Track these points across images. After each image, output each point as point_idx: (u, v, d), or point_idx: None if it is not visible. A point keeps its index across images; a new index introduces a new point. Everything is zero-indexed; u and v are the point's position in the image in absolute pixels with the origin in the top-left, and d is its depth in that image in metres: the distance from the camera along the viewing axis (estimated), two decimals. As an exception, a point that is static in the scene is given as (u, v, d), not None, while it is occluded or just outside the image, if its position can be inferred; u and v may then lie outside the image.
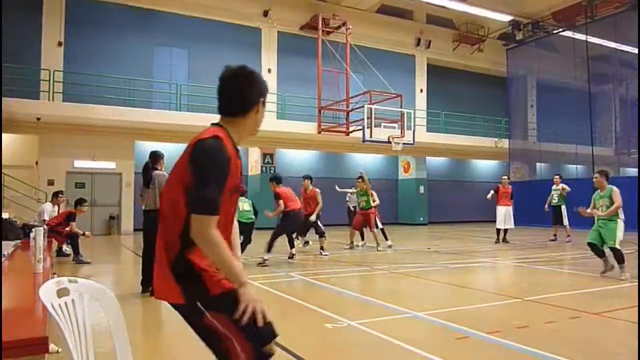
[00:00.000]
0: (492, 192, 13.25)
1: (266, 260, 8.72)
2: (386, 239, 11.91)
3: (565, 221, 12.93)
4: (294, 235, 9.98)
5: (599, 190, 7.63)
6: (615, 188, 7.54)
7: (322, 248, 10.26)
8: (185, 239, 1.82)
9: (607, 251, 7.31)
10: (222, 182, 1.81)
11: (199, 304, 1.83)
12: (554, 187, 13.35)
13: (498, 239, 13.02)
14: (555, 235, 13.22)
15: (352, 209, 14.54)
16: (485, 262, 9.54)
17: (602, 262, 7.38)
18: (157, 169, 6.33)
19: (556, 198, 13.17)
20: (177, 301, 1.86)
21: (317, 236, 10.32)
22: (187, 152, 1.87)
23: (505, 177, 13.93)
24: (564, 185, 13.17)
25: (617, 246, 7.13)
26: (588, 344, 4.12)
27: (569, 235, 12.86)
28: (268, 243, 8.80)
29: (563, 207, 12.99)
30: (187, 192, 1.80)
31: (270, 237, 8.86)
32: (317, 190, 10.23)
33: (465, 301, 5.95)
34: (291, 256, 9.38)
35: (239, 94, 1.97)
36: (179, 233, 1.83)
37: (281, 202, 8.92)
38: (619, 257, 7.12)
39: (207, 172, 1.78)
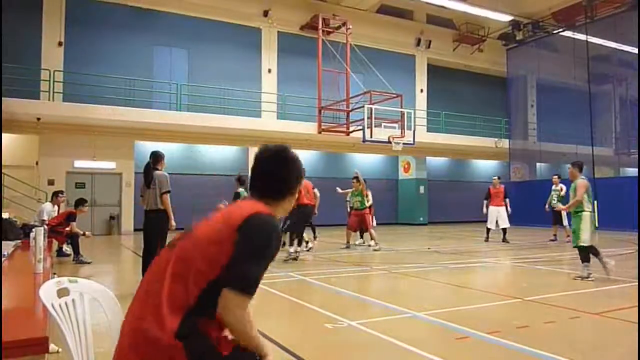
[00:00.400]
0: (484, 202, 13.48)
1: (298, 253, 9.25)
2: (361, 237, 12.22)
3: (565, 221, 12.94)
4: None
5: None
6: (580, 181, 7.22)
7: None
8: (201, 308, 1.61)
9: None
10: (269, 263, 1.70)
11: None
12: (553, 187, 13.36)
13: (487, 237, 13.29)
14: (555, 235, 13.24)
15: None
16: (485, 262, 9.54)
17: (582, 266, 7.10)
18: (158, 169, 6.34)
19: (555, 198, 13.18)
20: None
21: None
22: (234, 221, 1.67)
23: (496, 177, 13.94)
24: (562, 186, 13.10)
25: (584, 244, 7.00)
26: (588, 344, 4.12)
27: (568, 236, 12.81)
28: (290, 239, 9.40)
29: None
30: (226, 265, 1.61)
31: (289, 234, 9.48)
32: None
33: (465, 301, 5.95)
34: (295, 257, 9.50)
35: (283, 180, 1.92)
36: (195, 299, 1.61)
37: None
38: (585, 256, 7.05)
39: (261, 250, 1.66)
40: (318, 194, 10.30)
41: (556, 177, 13.54)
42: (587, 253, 7.04)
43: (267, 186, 1.90)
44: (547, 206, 13.36)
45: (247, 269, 1.61)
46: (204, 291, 1.60)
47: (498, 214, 13.13)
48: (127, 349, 1.61)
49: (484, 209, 13.46)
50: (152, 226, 6.24)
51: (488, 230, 13.33)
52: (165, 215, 6.21)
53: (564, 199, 12.99)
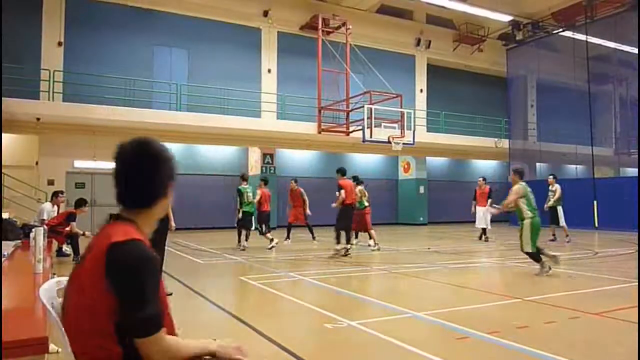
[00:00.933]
0: (473, 202, 13.93)
1: (347, 249, 9.65)
2: (355, 236, 12.26)
3: (562, 222, 12.92)
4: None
5: None
6: (516, 187, 7.67)
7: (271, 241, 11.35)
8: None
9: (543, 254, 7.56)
10: (158, 289, 1.51)
11: None
12: (549, 187, 13.29)
13: (486, 236, 13.60)
14: (554, 235, 13.23)
15: None
16: (485, 262, 9.54)
17: (539, 265, 7.48)
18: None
19: (551, 199, 13.10)
20: None
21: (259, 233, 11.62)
22: (97, 261, 1.47)
23: (481, 178, 14.19)
24: (558, 186, 13.04)
25: (528, 249, 7.45)
26: (588, 344, 4.12)
27: (567, 235, 12.86)
28: (336, 237, 9.75)
29: (559, 208, 12.99)
30: (116, 316, 1.45)
31: (335, 232, 9.82)
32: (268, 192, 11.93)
33: (465, 301, 5.95)
34: (345, 253, 9.82)
35: (148, 181, 1.61)
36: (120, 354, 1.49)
37: (342, 192, 9.66)
38: (534, 258, 7.50)
39: (142, 287, 1.45)
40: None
41: (551, 177, 13.50)
42: (535, 254, 7.47)
43: (133, 194, 1.63)
44: (545, 206, 13.23)
45: (141, 313, 1.44)
46: (123, 352, 1.48)
47: (483, 214, 13.55)
48: None
49: (472, 209, 13.92)
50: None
51: (483, 230, 13.65)
52: (165, 215, 6.21)
53: (561, 199, 13.00)
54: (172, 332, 1.61)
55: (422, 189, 22.56)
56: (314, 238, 12.61)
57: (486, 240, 13.28)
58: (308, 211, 12.57)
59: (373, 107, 15.99)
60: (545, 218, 13.51)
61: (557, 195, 12.97)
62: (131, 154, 1.62)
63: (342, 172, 10.18)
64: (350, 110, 17.60)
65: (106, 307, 1.44)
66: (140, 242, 1.52)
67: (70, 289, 1.57)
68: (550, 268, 7.37)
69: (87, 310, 1.47)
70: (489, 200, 13.48)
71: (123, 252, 1.47)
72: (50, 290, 1.91)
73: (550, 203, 13.02)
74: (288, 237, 12.46)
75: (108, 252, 1.46)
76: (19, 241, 5.41)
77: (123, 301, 1.44)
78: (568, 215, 12.92)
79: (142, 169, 1.60)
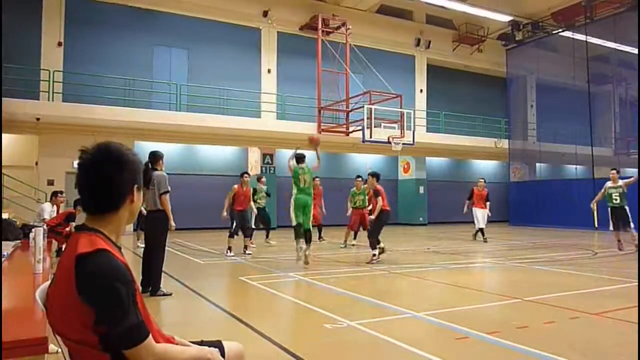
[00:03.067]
0: (467, 202, 13.80)
1: (375, 256, 9.09)
2: (355, 237, 12.31)
3: (632, 224, 10.57)
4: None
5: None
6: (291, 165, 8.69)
7: (245, 247, 10.63)
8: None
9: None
10: (134, 298, 1.46)
11: None
12: (609, 184, 10.81)
13: (484, 238, 13.35)
14: (619, 241, 10.79)
15: None
16: (485, 262, 9.54)
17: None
18: (156, 170, 6.33)
19: (617, 198, 10.61)
20: None
21: (244, 235, 10.68)
22: (67, 276, 1.44)
23: (482, 179, 14.08)
24: (626, 180, 10.81)
25: (293, 223, 8.25)
26: (588, 344, 4.12)
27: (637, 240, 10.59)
28: (371, 243, 9.20)
29: (626, 208, 10.59)
30: (97, 328, 1.41)
31: (370, 236, 9.22)
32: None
33: (465, 301, 5.94)
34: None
35: (107, 186, 1.57)
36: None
37: (380, 199, 9.24)
38: (295, 233, 8.35)
39: (116, 298, 1.41)
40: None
41: (614, 171, 10.97)
42: (296, 229, 8.21)
43: (94, 200, 1.58)
44: (593, 206, 11.26)
45: (122, 324, 1.41)
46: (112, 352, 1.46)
47: (482, 215, 13.42)
48: None
49: (465, 209, 13.77)
50: (152, 226, 6.23)
51: (481, 231, 13.47)
52: (164, 215, 6.21)
53: (626, 197, 10.69)
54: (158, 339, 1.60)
55: (421, 189, 22.56)
56: (320, 238, 12.75)
57: (485, 241, 13.15)
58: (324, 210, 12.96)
59: (373, 107, 16.00)
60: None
61: (630, 184, 10.69)
62: (91, 158, 1.57)
63: (377, 176, 9.47)
64: (350, 111, 17.61)
65: (85, 321, 1.41)
66: (107, 251, 1.47)
67: (49, 305, 1.54)
68: (307, 255, 8.21)
69: (68, 325, 1.45)
70: (488, 203, 13.49)
71: (91, 263, 1.43)
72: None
73: (618, 201, 10.59)
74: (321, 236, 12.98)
75: (76, 265, 1.42)
76: (19, 241, 5.42)
77: (101, 315, 1.40)
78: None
79: (102, 172, 1.56)
